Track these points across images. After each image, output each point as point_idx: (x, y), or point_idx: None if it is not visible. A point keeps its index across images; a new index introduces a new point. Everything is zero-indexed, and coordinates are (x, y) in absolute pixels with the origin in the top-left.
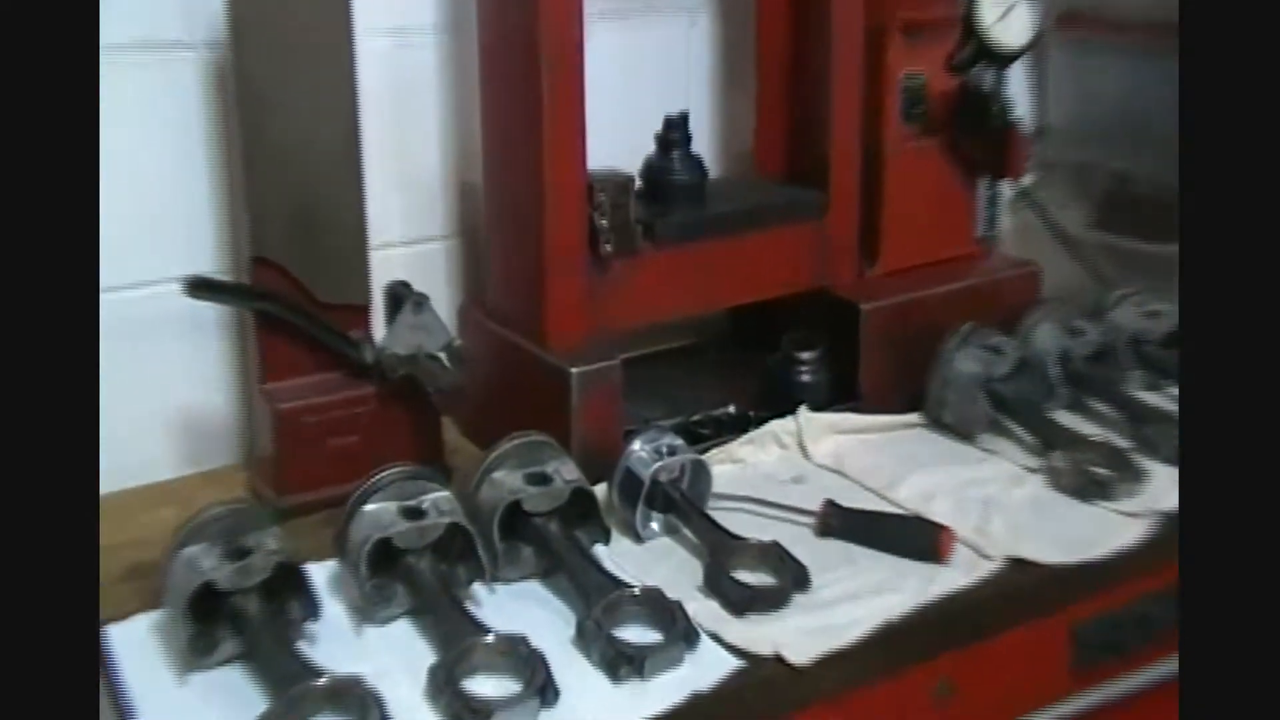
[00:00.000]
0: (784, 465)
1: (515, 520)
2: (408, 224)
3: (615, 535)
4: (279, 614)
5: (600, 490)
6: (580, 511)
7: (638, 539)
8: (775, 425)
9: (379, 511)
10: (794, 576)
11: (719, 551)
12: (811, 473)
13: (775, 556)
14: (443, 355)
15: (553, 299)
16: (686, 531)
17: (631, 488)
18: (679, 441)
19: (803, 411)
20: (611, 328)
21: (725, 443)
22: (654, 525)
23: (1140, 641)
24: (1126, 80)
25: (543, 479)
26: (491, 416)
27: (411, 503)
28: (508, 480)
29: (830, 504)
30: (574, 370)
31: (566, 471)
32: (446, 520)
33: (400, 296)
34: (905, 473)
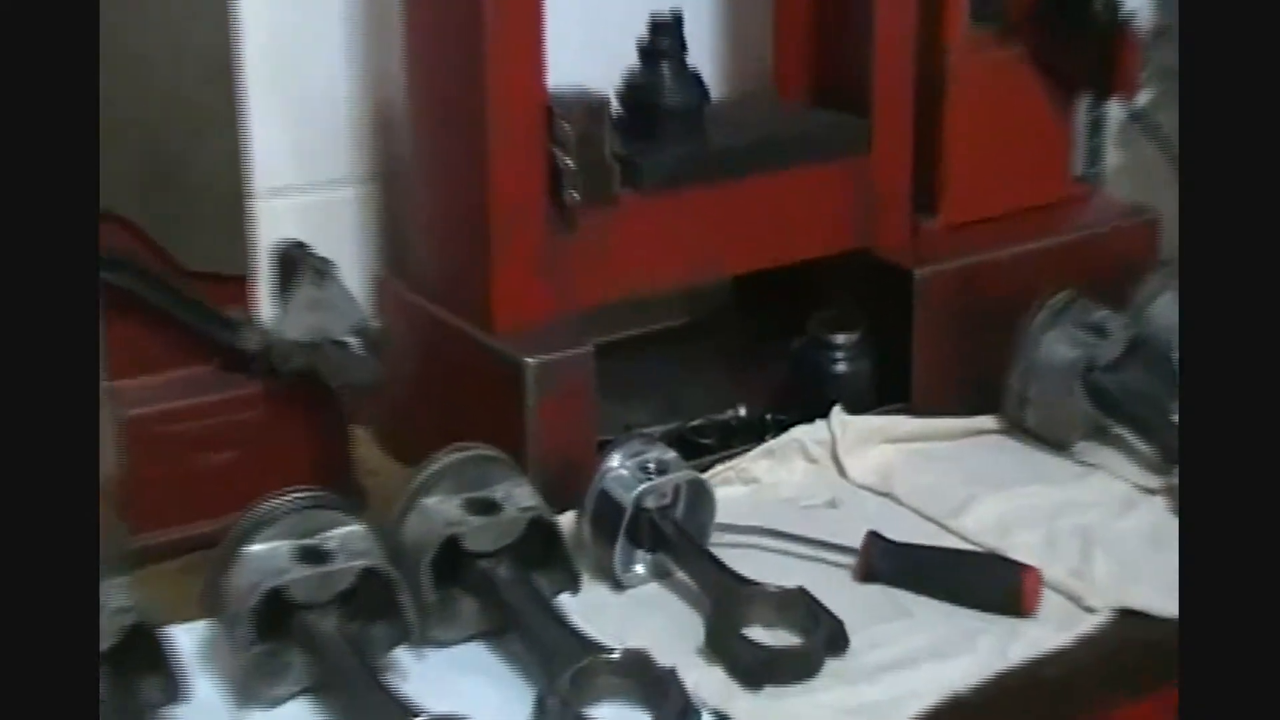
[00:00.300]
0: (813, 486)
1: (453, 562)
2: (304, 165)
3: (587, 581)
4: (133, 692)
5: (567, 521)
6: (540, 550)
7: (617, 586)
8: (801, 433)
9: (268, 553)
10: (827, 635)
11: (726, 602)
12: (850, 496)
13: (801, 608)
14: (353, 342)
15: (500, 265)
16: (682, 575)
17: (609, 518)
18: (671, 455)
19: (837, 414)
20: (580, 304)
21: (734, 456)
22: (638, 568)
23: None
24: None
25: (489, 507)
26: (420, 424)
27: (312, 541)
28: (443, 509)
29: (875, 538)
30: (530, 361)
31: (521, 496)
32: (359, 564)
33: (295, 263)
34: (975, 495)
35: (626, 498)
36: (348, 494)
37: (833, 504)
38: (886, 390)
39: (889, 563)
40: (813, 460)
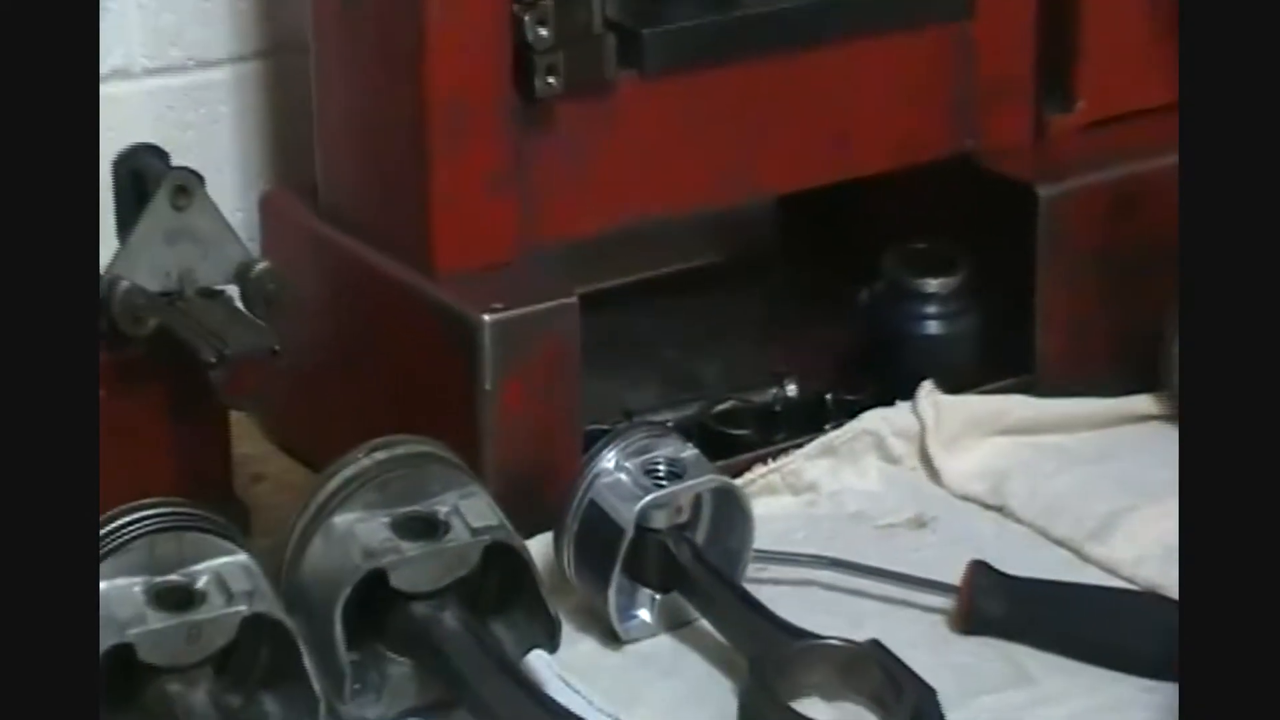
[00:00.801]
0: (893, 497)
1: (378, 608)
2: (159, 37)
3: (570, 633)
4: None
5: (540, 548)
6: (501, 589)
7: (614, 640)
8: (875, 421)
9: (112, 596)
10: (912, 710)
11: (769, 662)
12: (946, 510)
13: (876, 671)
14: (232, 291)
15: (443, 181)
16: (706, 624)
17: (601, 543)
18: (690, 453)
19: (928, 394)
20: (559, 236)
21: (780, 454)
22: (643, 614)
23: None
24: None
25: (429, 528)
26: (329, 409)
27: (173, 578)
28: (362, 531)
29: (982, 571)
30: (487, 318)
31: (474, 512)
32: (239, 612)
33: (145, 177)
34: (1127, 509)
35: (626, 514)
36: (224, 509)
37: (921, 522)
38: (999, 359)
39: (1002, 605)
40: (893, 460)
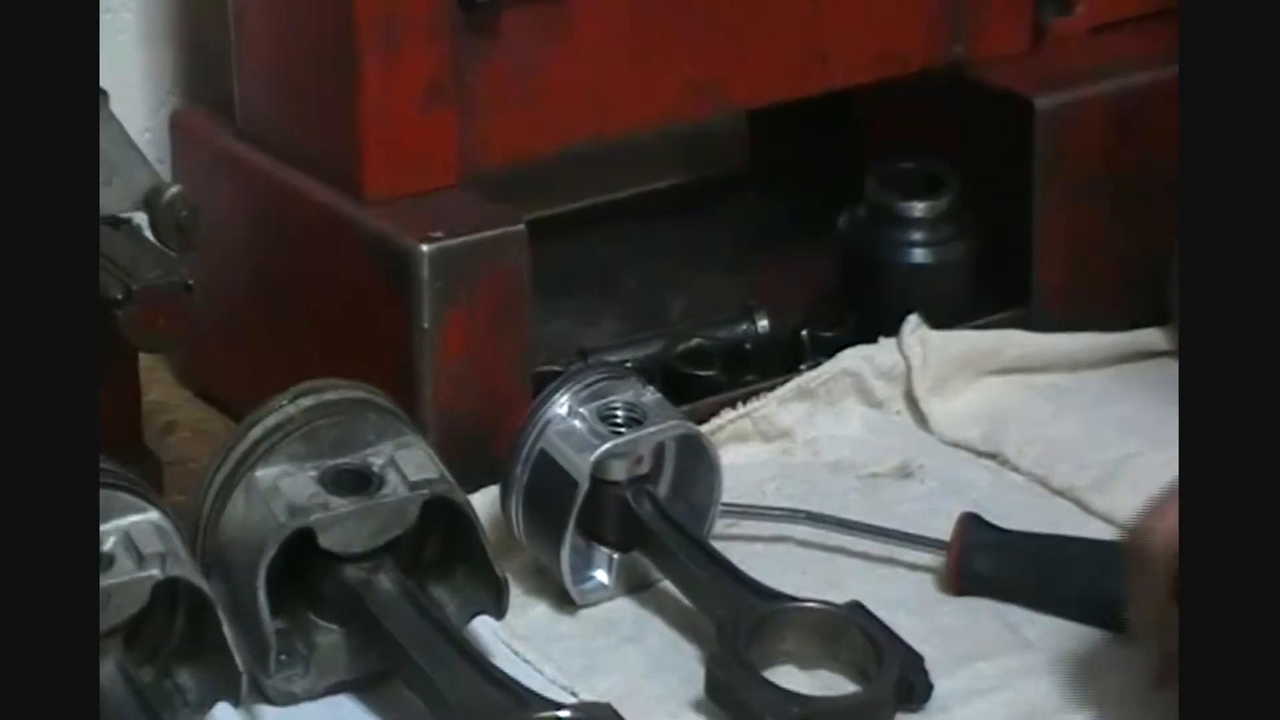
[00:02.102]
0: (876, 443)
1: (305, 571)
2: None
3: (519, 597)
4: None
5: (485, 502)
6: (443, 549)
7: (568, 603)
8: (856, 360)
9: None
10: (897, 677)
11: (740, 627)
12: (934, 458)
13: (857, 636)
14: (140, 220)
15: (374, 95)
16: (670, 586)
17: (553, 497)
18: (651, 396)
19: (914, 329)
20: (504, 156)
21: (751, 397)
22: (600, 575)
23: None
24: None
25: (361, 482)
26: (249, 350)
27: None
28: (287, 486)
29: (973, 524)
30: (425, 249)
31: (411, 464)
32: (153, 576)
33: None
34: (1133, 456)
35: (580, 465)
36: (133, 462)
37: (907, 472)
38: (992, 290)
39: (995, 563)
40: (875, 403)
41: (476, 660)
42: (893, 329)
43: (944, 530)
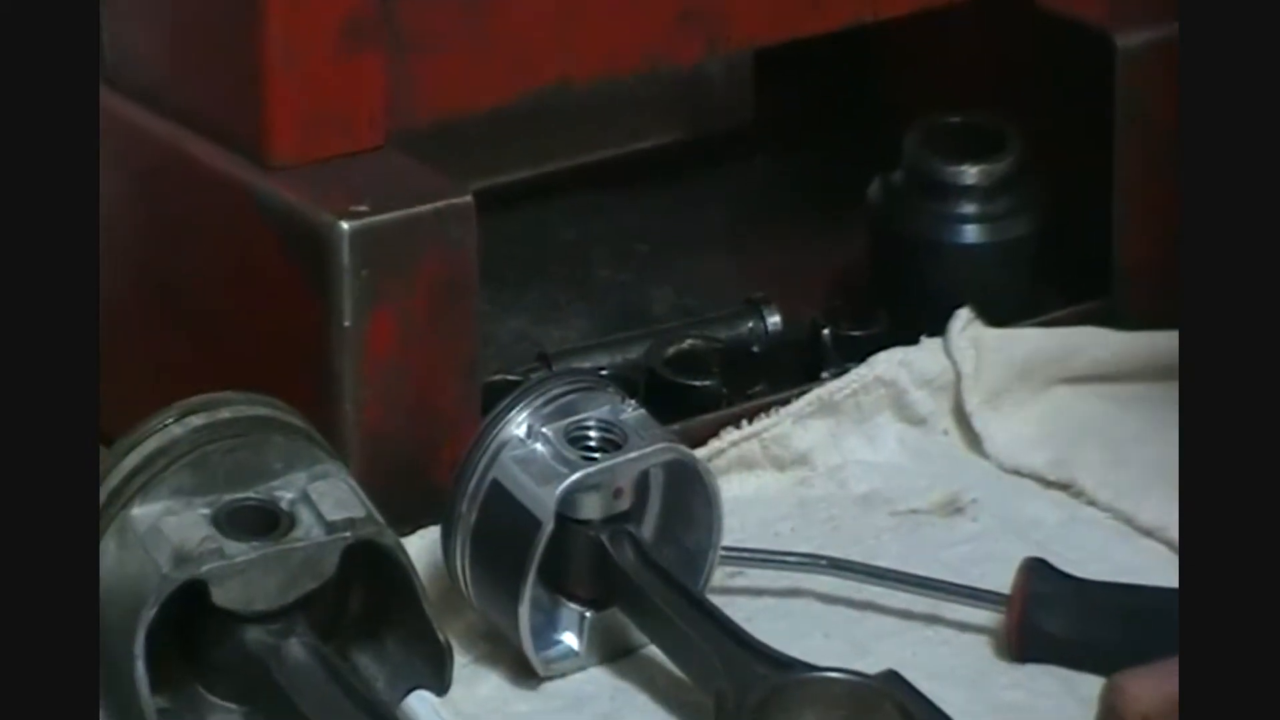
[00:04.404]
0: (915, 469)
1: (198, 634)
2: None
3: (468, 665)
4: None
5: (422, 548)
6: (369, 606)
7: (528, 675)
8: (891, 364)
9: None
10: None
11: (744, 702)
12: (991, 488)
13: (893, 715)
14: None
15: (283, 37)
16: (655, 651)
17: (508, 539)
18: (631, 412)
19: (964, 325)
20: (444, 110)
21: (756, 412)
22: (568, 639)
23: None
24: None
25: (266, 521)
26: (127, 356)
27: None
28: (173, 527)
29: (1039, 570)
30: (346, 227)
31: (329, 499)
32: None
33: None
34: None
35: (544, 499)
36: None
37: (956, 506)
38: (1064, 277)
39: (1067, 621)
40: (916, 420)
41: None
42: (938, 326)
43: (1003, 581)
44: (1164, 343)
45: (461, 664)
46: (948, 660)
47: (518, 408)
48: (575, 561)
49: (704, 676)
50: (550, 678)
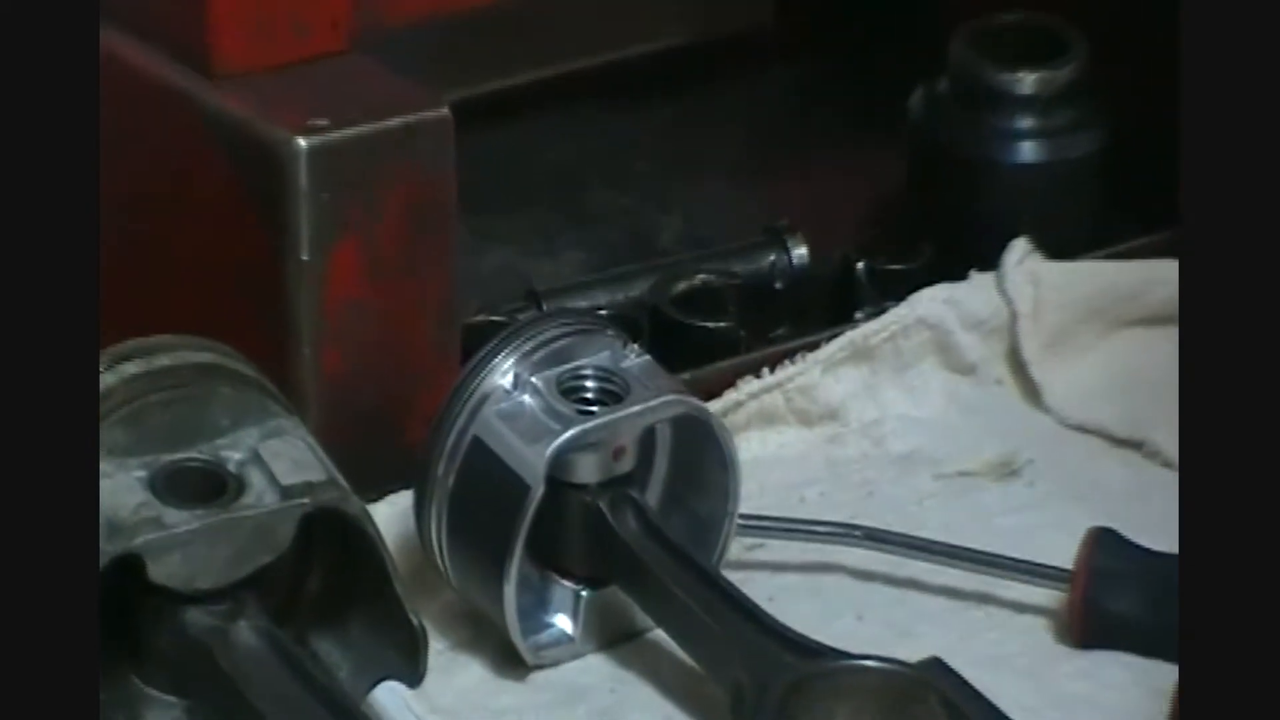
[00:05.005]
0: (964, 424)
1: (133, 616)
2: None
3: (445, 652)
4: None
5: (392, 514)
6: (330, 584)
7: (515, 663)
8: (935, 303)
9: None
10: None
11: (766, 694)
12: (1050, 445)
13: (936, 707)
14: None
15: None
16: (662, 636)
17: (491, 507)
18: (634, 359)
19: (1021, 258)
20: (416, 8)
21: (781, 358)
22: (561, 621)
23: None
24: None
25: (211, 485)
26: None
27: None
28: (105, 491)
29: (1106, 542)
30: (303, 144)
31: (284, 460)
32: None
33: None
34: None
35: (533, 460)
36: None
37: (1011, 468)
38: (1135, 203)
39: (1137, 601)
40: (965, 368)
41: None
42: (990, 260)
43: (1065, 555)
44: None
45: (437, 651)
46: (1001, 646)
47: (503, 354)
48: (569, 532)
49: (718, 665)
50: (540, 666)
